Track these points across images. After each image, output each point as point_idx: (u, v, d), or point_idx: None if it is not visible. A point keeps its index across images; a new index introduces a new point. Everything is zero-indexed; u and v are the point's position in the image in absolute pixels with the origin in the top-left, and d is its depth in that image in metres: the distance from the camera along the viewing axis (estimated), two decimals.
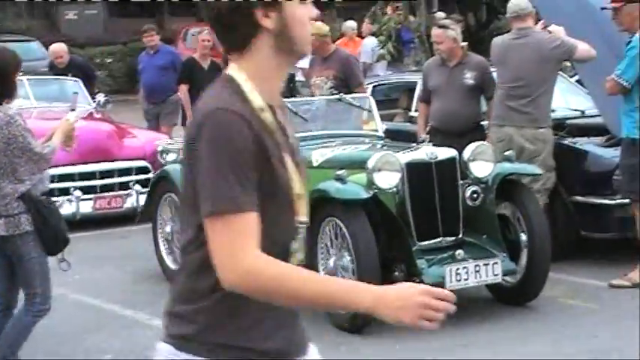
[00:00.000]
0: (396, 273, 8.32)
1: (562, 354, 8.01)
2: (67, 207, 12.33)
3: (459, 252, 8.44)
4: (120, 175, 13.27)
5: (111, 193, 13.15)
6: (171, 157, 13.31)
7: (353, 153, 9.55)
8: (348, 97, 10.68)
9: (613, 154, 10.16)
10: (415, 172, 8.63)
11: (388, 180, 8.39)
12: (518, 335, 8.45)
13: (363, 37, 20.76)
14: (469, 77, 10.71)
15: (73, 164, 12.61)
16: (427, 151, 8.71)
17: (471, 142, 9.38)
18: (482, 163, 8.84)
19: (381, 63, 19.90)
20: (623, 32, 9.80)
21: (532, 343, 8.24)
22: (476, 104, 10.92)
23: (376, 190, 8.38)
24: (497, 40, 10.88)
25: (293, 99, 11.34)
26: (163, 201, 10.56)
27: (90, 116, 14.29)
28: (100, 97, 14.85)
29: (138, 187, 13.11)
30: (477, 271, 8.42)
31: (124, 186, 13.22)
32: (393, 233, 8.57)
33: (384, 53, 20.03)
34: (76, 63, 16.70)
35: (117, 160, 13.33)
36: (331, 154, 9.38)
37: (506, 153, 9.21)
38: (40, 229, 7.03)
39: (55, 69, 16.47)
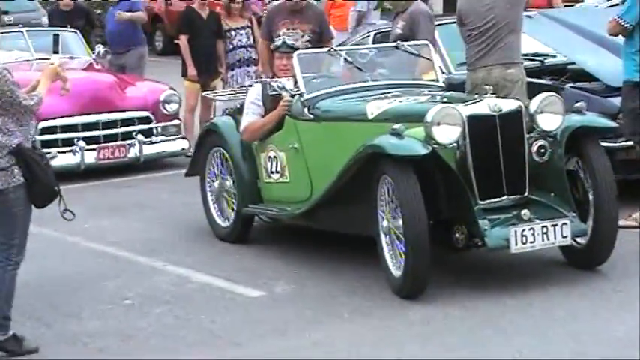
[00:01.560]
0: (457, 235, 7.95)
1: None
2: (71, 158, 12.46)
3: (525, 212, 7.87)
4: (123, 126, 13.26)
5: (114, 144, 13.15)
6: (173, 107, 13.52)
7: (411, 105, 8.84)
8: (406, 44, 9.84)
9: (615, 97, 10.17)
10: (477, 125, 7.99)
11: (448, 134, 7.81)
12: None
13: None
14: (399, 27, 11.09)
15: (76, 115, 12.69)
16: (490, 104, 8.04)
17: None
18: (550, 115, 8.21)
19: (375, 12, 19.78)
20: None
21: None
22: None
23: (435, 146, 7.78)
24: None
25: (348, 47, 10.97)
26: (211, 155, 10.14)
27: (90, 67, 14.32)
28: (100, 48, 14.84)
29: (140, 137, 13.19)
30: (545, 233, 7.81)
31: (127, 136, 13.23)
32: (454, 192, 7.98)
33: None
34: (80, 8, 16.67)
35: (119, 110, 13.31)
36: (388, 107, 8.67)
37: (577, 104, 8.52)
38: (29, 182, 7.02)
39: (59, 13, 16.43)
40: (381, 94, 9.06)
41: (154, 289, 8.28)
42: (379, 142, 7.87)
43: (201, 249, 9.64)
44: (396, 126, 7.77)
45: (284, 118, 9.24)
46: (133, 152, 13.21)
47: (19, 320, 7.27)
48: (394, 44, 10.01)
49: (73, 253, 9.37)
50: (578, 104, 8.48)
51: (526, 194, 8.11)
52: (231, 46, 14.00)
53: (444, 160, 7.86)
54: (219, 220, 9.99)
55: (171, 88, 13.83)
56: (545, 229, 7.78)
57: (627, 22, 9.52)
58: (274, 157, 9.42)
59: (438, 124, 7.76)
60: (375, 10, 19.78)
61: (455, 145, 7.92)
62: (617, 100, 10.10)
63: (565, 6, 16.75)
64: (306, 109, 9.05)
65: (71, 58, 14.05)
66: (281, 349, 6.94)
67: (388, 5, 19.89)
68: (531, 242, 7.76)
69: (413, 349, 6.83)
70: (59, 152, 12.11)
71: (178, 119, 13.75)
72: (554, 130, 8.17)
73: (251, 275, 8.69)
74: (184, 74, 14.00)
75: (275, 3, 13.53)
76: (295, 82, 9.23)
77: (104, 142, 13.07)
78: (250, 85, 12.81)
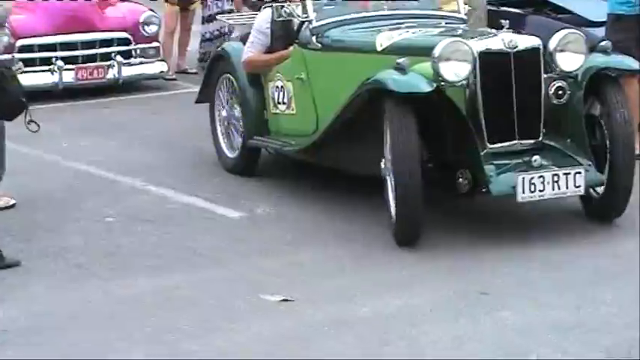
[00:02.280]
0: (460, 180, 7.37)
1: None
2: (49, 77, 12.35)
3: (536, 158, 7.30)
4: (101, 47, 13.15)
5: (93, 64, 13.04)
6: (152, 29, 13.43)
7: (422, 38, 8.14)
8: None
9: (599, 30, 10.19)
10: (490, 63, 7.39)
11: (456, 71, 7.23)
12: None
13: None
14: None
15: (55, 34, 12.58)
16: (506, 39, 7.41)
17: None
18: (571, 55, 7.59)
19: None
20: None
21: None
22: None
23: (442, 83, 7.23)
24: None
25: None
26: (220, 82, 9.65)
27: None
28: None
29: (119, 58, 13.08)
30: (556, 182, 7.21)
31: (106, 57, 13.11)
32: (460, 134, 7.40)
33: None
34: None
35: (98, 31, 13.20)
36: (398, 38, 8.08)
37: (603, 43, 7.86)
38: None
39: None
40: (395, 24, 8.51)
41: (135, 208, 8.27)
42: (381, 77, 7.36)
43: (181, 171, 9.59)
44: (401, 60, 7.24)
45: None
46: (112, 73, 13.11)
47: None
48: None
49: (51, 172, 9.34)
50: (603, 43, 7.81)
51: (540, 138, 7.55)
52: None
53: (450, 99, 7.32)
54: (227, 151, 9.58)
55: (151, 10, 13.69)
56: (556, 178, 7.22)
57: None
58: (281, 87, 8.93)
59: (447, 59, 7.21)
60: None
61: (464, 82, 7.37)
62: (599, 31, 10.10)
63: None
64: (314, 38, 8.50)
65: None
66: (264, 269, 6.94)
67: None
68: (540, 191, 7.21)
69: (394, 275, 6.83)
70: (37, 71, 12.05)
71: (157, 41, 13.58)
72: (575, 70, 7.56)
73: (232, 198, 8.66)
74: None
75: None
76: (304, 8, 8.62)
77: (83, 63, 12.95)
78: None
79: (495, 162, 7.35)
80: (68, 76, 12.69)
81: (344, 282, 6.69)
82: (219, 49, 10.55)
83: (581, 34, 7.72)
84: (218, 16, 13.20)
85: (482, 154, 7.29)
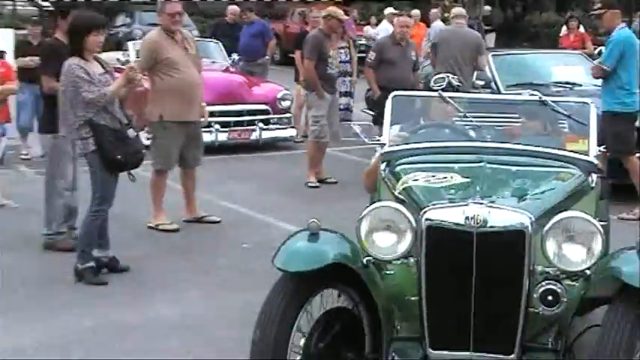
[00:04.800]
0: None
1: None
2: (208, 136, 12.46)
3: None
4: (248, 115, 13.35)
5: (241, 128, 13.27)
6: (286, 103, 13.58)
7: (422, 187, 4.64)
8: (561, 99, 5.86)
9: None
10: (441, 242, 4.12)
11: (388, 246, 4.24)
12: None
13: (426, 23, 20.41)
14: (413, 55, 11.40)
15: (214, 104, 12.79)
16: (470, 212, 4.03)
17: None
18: (577, 247, 4.11)
19: None
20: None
21: None
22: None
23: (369, 258, 4.25)
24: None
25: (465, 95, 6.24)
26: None
27: (227, 70, 14.36)
28: (234, 56, 14.92)
29: (261, 124, 13.33)
30: None
31: (251, 123, 13.34)
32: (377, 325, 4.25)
33: None
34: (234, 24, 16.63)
35: (246, 103, 13.42)
36: (412, 183, 4.72)
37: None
38: (100, 150, 7.04)
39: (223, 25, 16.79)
40: (467, 162, 4.93)
41: (267, 238, 8.18)
42: (289, 242, 4.33)
43: (308, 209, 9.29)
44: (312, 221, 4.25)
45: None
46: (255, 135, 13.32)
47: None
48: (539, 97, 5.53)
49: (207, 207, 9.41)
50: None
51: (513, 355, 4.08)
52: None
53: (373, 280, 4.23)
54: None
55: (286, 89, 13.88)
56: None
57: (608, 66, 9.23)
58: None
59: (375, 229, 4.25)
60: None
61: (407, 260, 4.30)
62: None
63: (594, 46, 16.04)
64: (383, 165, 5.24)
65: (213, 62, 14.18)
66: None
67: None
68: None
69: None
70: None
71: (289, 113, 13.74)
72: (577, 269, 4.12)
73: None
74: (296, 80, 13.99)
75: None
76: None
77: (234, 126, 13.19)
78: (346, 93, 12.94)
79: None
80: (223, 136, 12.92)
81: None
82: None
83: (592, 220, 4.18)
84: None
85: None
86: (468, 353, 4.07)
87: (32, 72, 10.05)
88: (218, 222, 8.89)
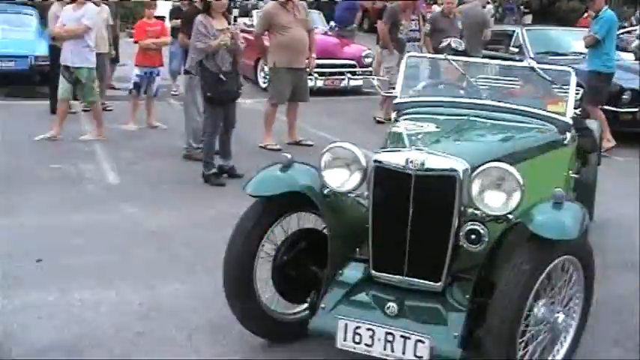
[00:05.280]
0: (308, 299, 3.82)
1: None
2: (309, 82, 12.39)
3: (391, 305, 3.52)
4: (339, 67, 13.18)
5: (334, 77, 13.11)
6: (368, 60, 13.39)
7: (407, 133, 4.16)
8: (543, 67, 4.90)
9: None
10: (385, 180, 3.61)
11: (341, 181, 3.75)
12: None
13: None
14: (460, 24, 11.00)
15: (315, 59, 12.73)
16: (411, 157, 3.54)
17: None
18: (499, 194, 3.55)
19: (492, 19, 19.00)
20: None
21: None
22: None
23: (328, 190, 3.76)
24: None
25: (467, 58, 5.35)
26: None
27: (325, 33, 14.18)
28: (332, 23, 14.79)
29: (349, 75, 13.18)
30: (390, 341, 3.41)
31: (341, 73, 13.17)
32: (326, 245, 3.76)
33: (494, 14, 19.48)
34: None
35: (338, 58, 13.27)
36: (396, 129, 4.28)
37: (557, 190, 3.46)
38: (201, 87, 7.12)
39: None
40: (463, 116, 4.42)
41: None
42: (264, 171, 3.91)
43: (376, 138, 9.21)
44: (285, 154, 3.89)
45: None
46: (344, 83, 13.17)
47: None
48: (528, 64, 5.01)
49: (304, 134, 9.36)
50: (557, 191, 3.48)
51: (440, 283, 3.55)
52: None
53: (331, 209, 3.77)
54: None
55: (369, 49, 13.64)
56: (390, 337, 3.40)
57: (599, 36, 9.13)
58: None
59: (330, 166, 3.76)
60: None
61: (361, 194, 3.79)
62: None
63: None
64: (394, 114, 4.80)
65: (316, 27, 13.97)
66: None
67: (498, 15, 19.03)
68: (367, 345, 3.44)
69: None
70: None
71: (371, 67, 13.44)
72: (502, 213, 3.53)
73: None
74: (378, 42, 13.76)
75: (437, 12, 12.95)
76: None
77: (329, 76, 13.03)
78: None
79: (351, 295, 3.65)
80: (320, 83, 12.82)
81: None
82: None
83: (512, 171, 3.52)
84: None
85: (339, 278, 3.68)
86: (402, 277, 3.61)
87: (180, 31, 10.16)
88: (312, 145, 8.88)
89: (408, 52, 11.44)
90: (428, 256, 3.60)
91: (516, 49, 11.25)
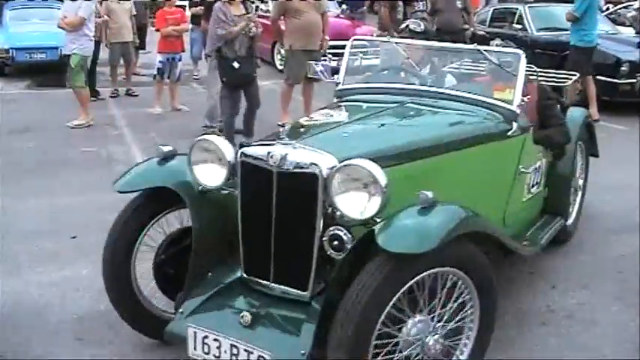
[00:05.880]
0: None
1: None
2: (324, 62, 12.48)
3: (245, 314, 2.95)
4: None
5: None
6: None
7: (311, 123, 3.60)
8: (495, 48, 4.21)
9: None
10: (250, 177, 3.10)
11: (211, 175, 3.27)
12: None
13: None
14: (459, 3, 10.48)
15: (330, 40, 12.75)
16: (275, 151, 2.98)
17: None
18: (357, 196, 2.85)
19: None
20: None
21: None
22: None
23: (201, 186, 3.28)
24: None
25: (410, 40, 4.74)
26: None
27: (337, 16, 14.13)
28: (344, 6, 14.74)
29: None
30: (235, 355, 2.85)
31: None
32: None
33: None
34: None
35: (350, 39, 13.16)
36: (302, 119, 3.81)
37: (423, 194, 2.75)
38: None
39: None
40: (399, 103, 3.87)
41: None
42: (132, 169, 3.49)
43: None
44: (160, 146, 3.46)
45: None
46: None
47: None
48: (474, 46, 4.19)
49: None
50: (424, 193, 2.76)
51: (307, 292, 3.00)
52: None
53: (198, 205, 3.25)
54: None
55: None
56: (235, 350, 2.86)
57: (577, 13, 9.14)
58: None
59: (199, 161, 3.29)
60: None
61: (234, 190, 3.21)
62: None
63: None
64: (335, 100, 4.27)
65: (328, 10, 13.92)
66: None
67: None
68: (215, 356, 2.91)
69: None
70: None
71: None
72: (356, 217, 2.87)
73: None
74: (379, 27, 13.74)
75: None
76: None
77: (341, 56, 12.85)
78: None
79: (212, 300, 3.11)
80: (333, 63, 12.46)
81: None
82: None
83: (373, 174, 2.82)
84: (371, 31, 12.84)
85: (206, 281, 3.17)
86: (269, 284, 3.06)
87: (200, 17, 10.17)
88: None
89: (412, 28, 11.55)
90: (293, 261, 2.99)
91: (519, 26, 11.24)
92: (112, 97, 10.51)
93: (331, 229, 2.90)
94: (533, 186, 4.37)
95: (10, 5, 14.25)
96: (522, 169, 4.07)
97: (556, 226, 4.57)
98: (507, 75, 3.98)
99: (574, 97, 5.45)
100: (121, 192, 3.35)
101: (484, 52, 4.08)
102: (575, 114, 5.08)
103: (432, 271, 2.78)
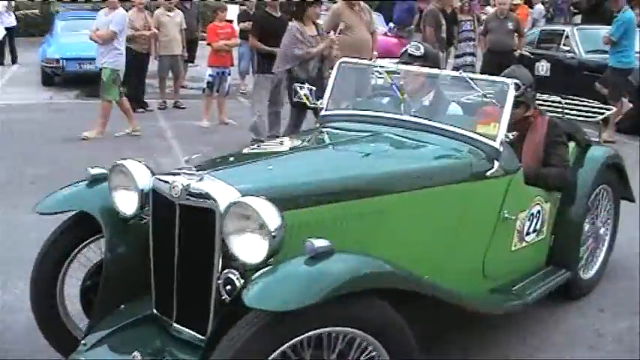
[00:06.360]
0: None
1: None
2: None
3: (135, 355, 2.66)
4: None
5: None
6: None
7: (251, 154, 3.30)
8: (480, 77, 3.77)
9: None
10: (159, 208, 2.86)
11: (126, 203, 3.06)
12: None
13: (529, 5, 19.30)
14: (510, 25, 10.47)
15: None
16: (177, 181, 2.70)
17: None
18: (252, 238, 2.52)
19: (543, 19, 18.59)
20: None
21: None
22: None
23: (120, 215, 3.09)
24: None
25: (396, 66, 4.16)
26: None
27: (385, 34, 14.16)
28: (391, 24, 14.66)
29: None
30: None
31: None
32: None
33: (546, 14, 18.95)
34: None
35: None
36: (265, 144, 3.74)
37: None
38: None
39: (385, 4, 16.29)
40: (373, 134, 3.55)
41: None
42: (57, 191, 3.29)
43: None
44: (92, 168, 3.29)
45: None
46: None
47: None
48: (458, 73, 3.85)
49: None
50: (310, 242, 2.42)
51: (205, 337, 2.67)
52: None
53: (115, 237, 3.08)
54: None
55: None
56: None
57: (614, 37, 9.20)
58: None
59: (117, 187, 3.08)
60: (543, 18, 18.38)
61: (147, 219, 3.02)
62: None
63: None
64: (316, 125, 4.05)
65: (376, 28, 13.90)
66: None
67: (549, 15, 18.50)
68: None
69: None
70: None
71: None
72: (246, 260, 2.54)
73: None
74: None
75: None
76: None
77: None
78: (470, 53, 12.30)
79: (115, 335, 2.87)
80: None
81: None
82: None
83: (258, 211, 2.50)
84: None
85: (117, 312, 2.98)
86: (173, 323, 2.82)
87: (247, 32, 10.16)
88: None
89: (463, 51, 11.43)
90: (193, 302, 2.72)
91: (566, 48, 11.21)
92: (160, 109, 10.54)
93: (225, 271, 2.58)
94: (528, 234, 3.80)
95: (62, 16, 14.45)
96: (506, 215, 3.51)
97: (557, 280, 3.92)
98: (487, 103, 3.55)
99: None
100: (42, 214, 3.15)
101: (469, 81, 3.61)
102: (595, 153, 4.36)
103: (321, 330, 2.39)
